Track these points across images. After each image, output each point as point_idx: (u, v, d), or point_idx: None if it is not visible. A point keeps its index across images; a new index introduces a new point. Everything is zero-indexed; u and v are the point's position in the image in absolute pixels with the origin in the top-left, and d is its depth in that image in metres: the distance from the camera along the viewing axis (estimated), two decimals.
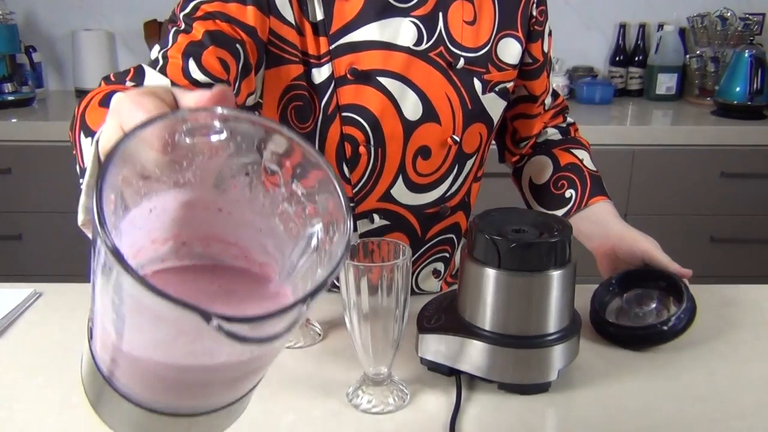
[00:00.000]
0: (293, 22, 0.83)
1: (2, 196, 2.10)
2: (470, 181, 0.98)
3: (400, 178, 0.91)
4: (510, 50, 0.92)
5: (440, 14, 0.87)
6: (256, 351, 0.39)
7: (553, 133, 1.08)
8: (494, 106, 0.93)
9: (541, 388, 0.73)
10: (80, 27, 2.46)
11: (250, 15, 0.80)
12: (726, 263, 2.20)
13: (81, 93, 2.39)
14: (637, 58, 2.54)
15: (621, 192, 2.11)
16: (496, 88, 0.92)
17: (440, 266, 1.02)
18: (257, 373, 0.44)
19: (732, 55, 2.28)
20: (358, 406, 0.70)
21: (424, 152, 0.90)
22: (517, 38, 0.93)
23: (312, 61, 0.85)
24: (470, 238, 0.73)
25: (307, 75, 0.86)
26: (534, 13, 0.94)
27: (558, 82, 2.46)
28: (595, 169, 1.03)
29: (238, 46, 0.79)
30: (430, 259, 1.00)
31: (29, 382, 0.75)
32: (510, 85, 0.95)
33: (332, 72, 0.85)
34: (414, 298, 0.71)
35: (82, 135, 0.63)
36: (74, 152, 0.65)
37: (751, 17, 2.38)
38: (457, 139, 0.90)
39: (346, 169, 0.89)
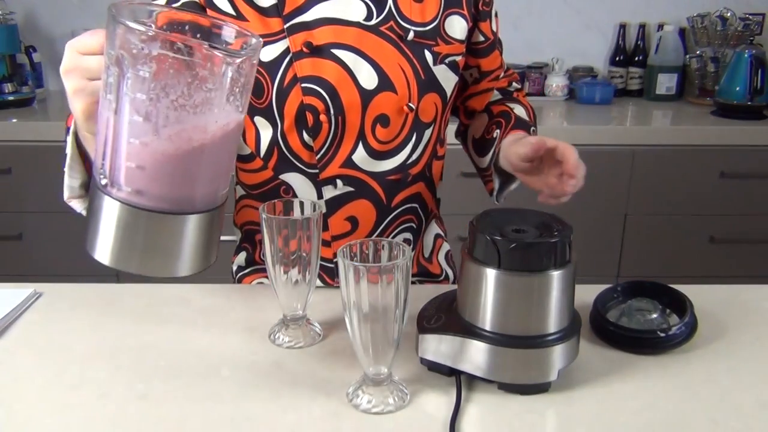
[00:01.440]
0: (231, 12, 0.91)
1: (2, 196, 2.10)
2: (430, 153, 1.02)
3: (361, 145, 0.95)
4: (456, 26, 0.98)
5: None
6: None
7: (494, 96, 1.14)
8: (445, 77, 0.98)
9: (541, 388, 0.73)
10: (80, 27, 2.46)
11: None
12: (726, 263, 2.20)
13: None
14: (637, 58, 2.54)
15: (621, 192, 2.11)
16: (446, 61, 0.97)
17: (409, 236, 1.06)
18: (230, 154, 0.65)
19: (732, 55, 2.28)
20: (358, 406, 0.70)
21: (383, 120, 0.94)
22: (463, 15, 0.99)
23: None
24: (470, 238, 0.73)
25: None
26: None
27: (558, 82, 2.46)
28: (526, 119, 1.06)
29: None
30: (398, 228, 1.04)
31: (29, 382, 0.75)
32: (459, 59, 1.00)
33: (287, 47, 0.91)
34: (414, 298, 0.71)
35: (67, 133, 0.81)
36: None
37: (751, 17, 2.38)
38: (413, 106, 0.95)
39: (308, 137, 0.93)
